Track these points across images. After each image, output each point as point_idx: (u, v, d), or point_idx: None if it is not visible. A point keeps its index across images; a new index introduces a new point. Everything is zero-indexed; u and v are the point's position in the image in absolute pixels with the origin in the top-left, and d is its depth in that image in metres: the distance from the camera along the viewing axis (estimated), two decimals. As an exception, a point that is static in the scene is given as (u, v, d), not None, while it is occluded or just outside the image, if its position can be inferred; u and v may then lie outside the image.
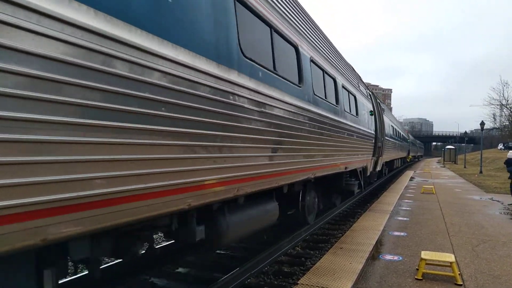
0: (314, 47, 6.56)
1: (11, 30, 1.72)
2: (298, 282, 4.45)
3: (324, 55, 7.25)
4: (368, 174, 12.41)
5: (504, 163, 26.95)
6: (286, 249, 6.69)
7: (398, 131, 24.88)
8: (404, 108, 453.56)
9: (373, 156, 12.65)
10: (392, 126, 20.97)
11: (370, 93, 14.32)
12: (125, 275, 5.21)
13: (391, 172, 25.77)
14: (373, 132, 12.63)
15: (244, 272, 5.19)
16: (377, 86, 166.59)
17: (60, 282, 3.82)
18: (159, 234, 6.75)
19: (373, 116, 12.79)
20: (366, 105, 11.74)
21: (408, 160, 38.18)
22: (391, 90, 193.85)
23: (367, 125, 11.51)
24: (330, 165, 7.44)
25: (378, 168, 15.01)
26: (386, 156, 17.67)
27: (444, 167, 41.32)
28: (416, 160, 59.81)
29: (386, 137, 16.92)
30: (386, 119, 17.80)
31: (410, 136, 45.93)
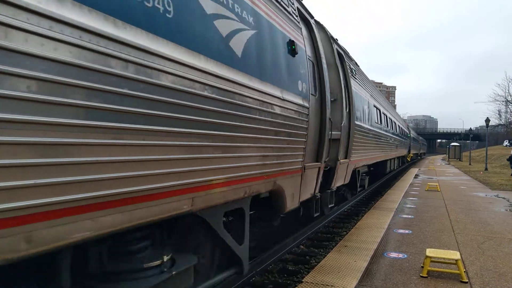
0: None
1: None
2: (303, 280, 4.45)
3: None
4: (285, 211, 4.81)
5: (508, 159, 26.91)
6: (290, 247, 6.69)
7: (390, 120, 17.30)
8: (408, 106, 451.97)
9: (317, 161, 5.89)
10: (377, 107, 12.90)
11: (310, 19, 6.33)
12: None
13: (379, 181, 17.82)
14: (305, 105, 5.07)
15: (248, 271, 5.19)
16: (381, 83, 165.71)
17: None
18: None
19: (308, 65, 5.40)
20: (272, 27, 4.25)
21: (408, 159, 31.74)
22: (395, 87, 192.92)
23: (276, 76, 4.28)
24: None
25: (340, 183, 7.93)
26: (365, 157, 10.49)
27: (449, 164, 41.12)
28: (419, 158, 53.64)
29: (361, 124, 9.55)
30: (360, 91, 9.91)
31: (412, 131, 39.13)
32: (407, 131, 29.45)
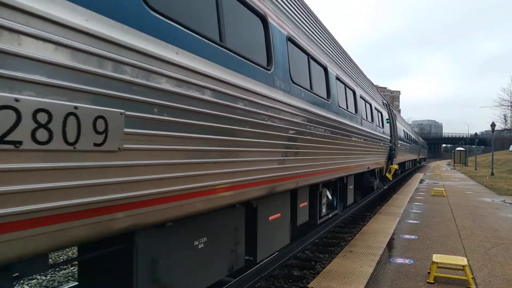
0: None
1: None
2: (308, 285, 4.43)
3: None
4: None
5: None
6: (295, 252, 6.66)
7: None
8: (413, 110, 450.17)
9: None
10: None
11: None
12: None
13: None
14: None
15: (254, 276, 5.18)
16: (385, 88, 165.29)
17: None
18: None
19: None
20: None
21: (388, 176, 15.18)
22: (399, 92, 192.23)
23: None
24: None
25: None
26: None
27: (454, 169, 40.83)
28: (418, 165, 41.10)
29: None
30: None
31: (402, 121, 23.80)
32: (385, 112, 13.90)
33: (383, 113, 12.93)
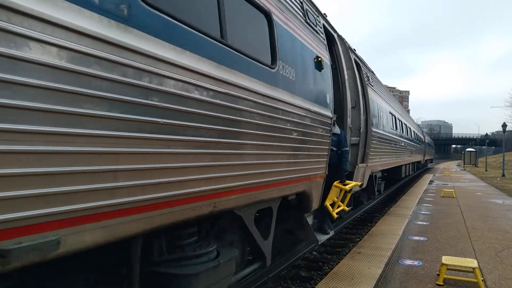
0: None
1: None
2: (316, 286, 4.42)
3: None
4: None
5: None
6: (303, 253, 6.64)
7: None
8: (423, 110, 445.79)
9: None
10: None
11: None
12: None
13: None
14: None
15: (261, 277, 5.17)
16: (394, 88, 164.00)
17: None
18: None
19: None
20: None
21: (332, 212, 5.65)
22: (408, 92, 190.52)
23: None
24: None
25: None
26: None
27: (464, 170, 40.36)
28: (425, 166, 36.68)
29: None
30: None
31: (383, 95, 11.27)
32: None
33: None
